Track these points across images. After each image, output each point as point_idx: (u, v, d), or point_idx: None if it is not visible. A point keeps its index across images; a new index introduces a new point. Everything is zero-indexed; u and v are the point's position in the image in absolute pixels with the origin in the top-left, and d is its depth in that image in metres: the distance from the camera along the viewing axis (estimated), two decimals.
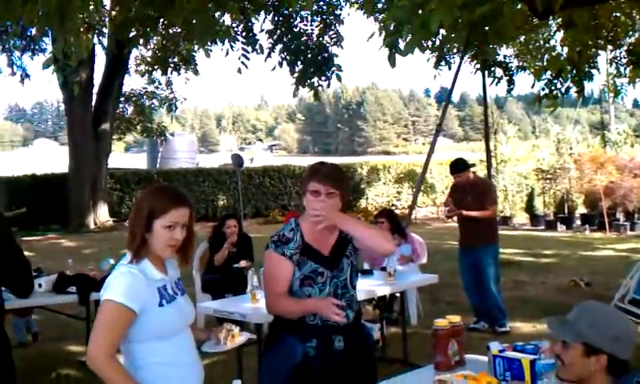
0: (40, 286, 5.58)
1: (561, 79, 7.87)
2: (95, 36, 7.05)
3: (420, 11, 4.80)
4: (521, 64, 11.31)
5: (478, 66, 11.42)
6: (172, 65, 17.98)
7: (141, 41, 10.78)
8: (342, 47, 10.79)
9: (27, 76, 20.68)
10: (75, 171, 18.90)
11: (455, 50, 10.81)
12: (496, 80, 11.29)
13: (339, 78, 10.55)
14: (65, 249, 13.69)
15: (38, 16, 5.93)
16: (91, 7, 6.36)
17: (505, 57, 11.48)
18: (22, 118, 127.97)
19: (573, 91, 8.15)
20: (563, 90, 8.08)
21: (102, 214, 19.21)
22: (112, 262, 6.41)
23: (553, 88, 8.09)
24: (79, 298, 5.68)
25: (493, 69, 11.40)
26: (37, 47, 19.55)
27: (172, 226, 2.44)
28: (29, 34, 16.26)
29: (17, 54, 20.09)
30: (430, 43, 10.39)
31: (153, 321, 2.38)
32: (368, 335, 3.36)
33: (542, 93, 8.20)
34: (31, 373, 5.65)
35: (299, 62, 10.63)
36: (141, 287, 2.37)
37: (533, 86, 8.43)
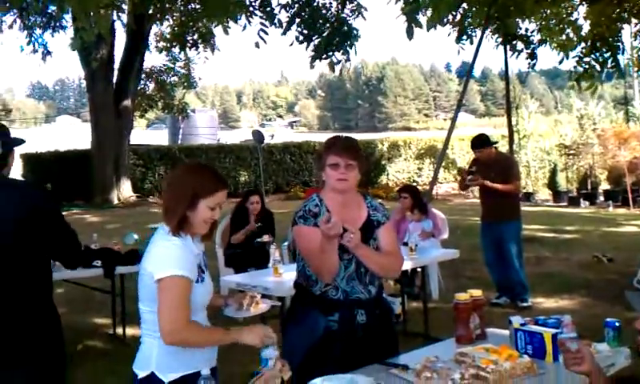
0: None
1: (595, 55, 7.68)
2: (115, 12, 7.05)
3: None
4: (543, 38, 11.16)
5: (500, 39, 11.28)
6: (190, 42, 18.04)
7: (160, 17, 10.77)
8: (364, 18, 10.59)
9: (48, 53, 20.80)
10: (98, 147, 19.05)
11: (477, 24, 10.68)
12: (517, 53, 11.17)
13: (350, 48, 10.33)
14: (89, 224, 13.86)
15: None
16: None
17: (526, 31, 11.33)
18: (44, 96, 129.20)
19: (608, 66, 7.96)
20: (597, 66, 7.88)
21: (125, 190, 19.40)
22: (136, 237, 6.50)
23: (587, 66, 7.90)
24: (104, 271, 5.75)
25: (514, 43, 11.26)
26: (57, 24, 19.69)
27: (215, 207, 2.50)
28: (49, 11, 16.32)
29: (38, 31, 20.25)
30: (450, 17, 10.30)
31: (192, 296, 2.43)
32: (390, 309, 3.39)
33: (574, 70, 8.00)
34: None
35: (317, 36, 10.48)
36: (189, 259, 2.44)
37: (561, 62, 8.28)
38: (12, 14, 16.72)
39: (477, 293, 3.17)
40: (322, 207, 3.04)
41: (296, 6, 10.83)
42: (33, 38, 19.69)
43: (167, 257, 2.41)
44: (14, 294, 2.77)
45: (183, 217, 2.45)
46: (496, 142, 7.47)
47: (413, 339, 5.58)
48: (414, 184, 18.99)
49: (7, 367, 2.72)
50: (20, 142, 3.02)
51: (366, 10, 10.61)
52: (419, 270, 6.66)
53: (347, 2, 10.85)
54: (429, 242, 7.21)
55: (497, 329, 3.25)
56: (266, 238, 7.05)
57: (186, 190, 2.46)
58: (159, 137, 35.19)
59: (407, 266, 6.09)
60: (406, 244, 6.10)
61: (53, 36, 21.12)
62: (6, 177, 2.90)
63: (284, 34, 10.60)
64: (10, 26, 18.73)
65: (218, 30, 13.68)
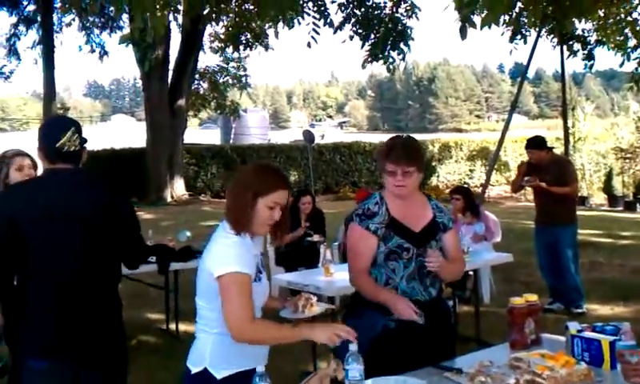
0: None
1: None
2: (171, 13, 7.19)
3: None
4: (600, 38, 10.89)
5: (556, 40, 11.05)
6: (244, 42, 18.21)
7: (215, 17, 10.92)
8: (417, 18, 10.54)
9: (105, 53, 21.36)
10: (153, 146, 19.42)
11: (532, 24, 10.49)
12: (573, 54, 10.93)
13: (407, 47, 10.26)
14: (143, 221, 13.98)
15: None
16: None
17: (583, 31, 11.08)
18: (100, 94, 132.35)
19: None
20: None
21: (178, 188, 19.73)
22: (188, 234, 6.62)
23: None
24: (159, 267, 5.85)
25: (571, 43, 11.02)
26: (115, 25, 20.17)
27: (274, 206, 2.48)
28: (107, 12, 16.74)
29: (95, 31, 20.80)
30: (505, 17, 10.14)
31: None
32: (448, 311, 3.38)
33: (636, 72, 7.78)
34: None
35: (371, 36, 10.47)
36: (249, 257, 2.45)
37: (622, 64, 8.06)
38: (71, 13, 17.21)
39: (532, 297, 3.12)
40: (382, 206, 3.06)
41: (350, 5, 10.85)
42: (91, 38, 20.27)
43: (227, 254, 2.42)
44: (99, 292, 2.86)
45: (244, 216, 2.45)
46: (552, 148, 7.30)
47: (464, 343, 5.51)
48: (466, 186, 18.80)
49: (91, 367, 2.81)
50: (85, 140, 3.12)
51: (419, 10, 10.57)
52: (471, 273, 6.59)
53: (401, 2, 10.81)
54: (481, 246, 7.12)
55: (551, 335, 3.20)
56: (316, 237, 7.10)
57: (247, 189, 2.47)
58: (211, 136, 35.66)
59: None
60: None
61: (110, 36, 21.64)
62: (91, 174, 2.99)
63: (335, 32, 10.62)
64: (69, 25, 19.24)
65: (271, 30, 13.78)
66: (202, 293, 2.50)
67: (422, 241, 3.05)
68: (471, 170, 23.77)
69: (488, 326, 5.95)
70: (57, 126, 2.91)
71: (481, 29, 5.59)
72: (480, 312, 6.22)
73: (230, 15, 14.23)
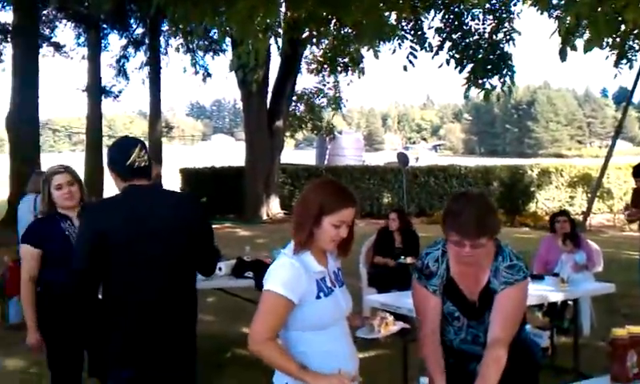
0: (220, 269, 5.80)
1: None
2: (272, 37, 7.45)
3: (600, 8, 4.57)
4: None
5: None
6: (341, 65, 18.46)
7: (314, 41, 11.16)
8: (514, 45, 10.37)
9: (209, 75, 22.23)
10: (251, 165, 19.89)
11: (638, 47, 10.08)
12: None
13: (512, 81, 10.07)
14: (240, 237, 14.51)
15: (222, 18, 6.42)
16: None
17: None
18: (201, 115, 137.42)
19: None
20: None
21: (273, 207, 20.14)
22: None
23: None
24: (255, 282, 5.98)
25: None
26: (218, 48, 20.97)
27: (339, 225, 2.46)
28: (211, 35, 17.41)
29: (199, 53, 21.68)
30: (609, 40, 9.79)
31: (310, 312, 2.44)
32: (529, 348, 3.21)
33: None
34: (207, 350, 6.08)
35: (469, 61, 10.38)
36: (301, 279, 2.42)
37: None
38: (178, 37, 18.04)
39: (636, 329, 3.00)
40: (442, 264, 2.89)
41: (447, 29, 10.82)
42: (195, 61, 21.14)
43: (275, 274, 2.44)
44: (181, 303, 3.02)
45: (309, 233, 2.46)
46: None
47: (561, 375, 5.36)
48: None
49: (177, 369, 2.97)
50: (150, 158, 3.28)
51: (519, 34, 10.39)
52: (570, 303, 6.38)
53: (500, 27, 10.67)
54: (581, 275, 6.87)
55: None
56: (409, 259, 7.08)
57: (312, 206, 2.46)
58: (307, 156, 36.21)
59: (558, 298, 5.86)
60: (556, 274, 5.87)
61: (213, 59, 22.50)
62: (171, 189, 3.19)
63: (433, 57, 10.61)
64: (177, 49, 20.17)
65: (367, 54, 13.92)
66: None
67: (475, 313, 2.88)
68: (572, 197, 22.94)
69: (587, 359, 5.72)
70: (124, 145, 3.11)
71: (584, 53, 5.44)
72: (579, 343, 5.99)
73: (329, 38, 14.48)
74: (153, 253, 2.89)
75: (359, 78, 18.63)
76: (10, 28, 17.42)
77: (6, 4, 18.70)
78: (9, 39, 18.43)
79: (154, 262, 2.90)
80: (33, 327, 3.62)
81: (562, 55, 6.17)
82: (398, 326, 2.77)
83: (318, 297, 2.46)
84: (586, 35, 5.95)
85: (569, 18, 5.26)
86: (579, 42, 6.34)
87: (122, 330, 2.90)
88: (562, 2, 8.76)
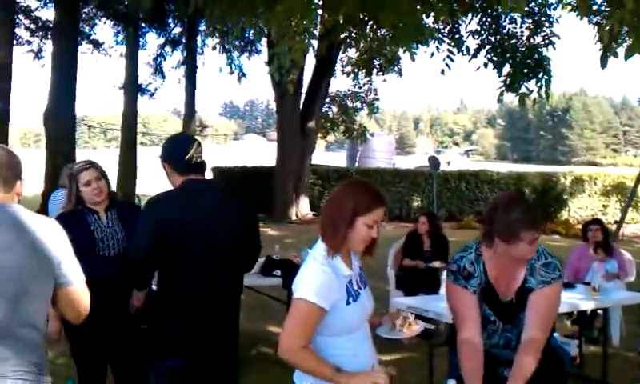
0: None
1: None
2: (308, 39, 7.50)
3: None
4: None
5: None
6: (377, 66, 18.44)
7: (352, 43, 11.17)
8: (554, 48, 10.21)
9: (244, 75, 22.40)
10: (282, 165, 20.00)
11: None
12: None
13: (549, 85, 9.94)
14: (269, 237, 14.58)
15: (259, 20, 6.49)
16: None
17: None
18: (235, 115, 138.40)
19: None
20: None
21: (303, 207, 20.22)
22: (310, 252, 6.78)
23: None
24: (283, 281, 6.04)
25: None
26: (253, 48, 21.11)
27: (372, 225, 2.45)
28: (247, 35, 17.54)
29: (235, 54, 21.84)
30: None
31: (339, 318, 2.43)
32: (557, 355, 3.19)
33: None
34: None
35: (508, 64, 10.26)
36: (332, 287, 2.40)
37: None
38: (215, 37, 18.20)
39: None
40: (479, 266, 2.89)
41: (485, 32, 10.73)
42: (231, 60, 21.31)
43: (306, 281, 2.42)
44: (232, 296, 3.14)
45: (341, 235, 2.43)
46: None
47: None
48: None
49: (234, 346, 3.10)
50: None
51: (559, 38, 10.26)
52: (600, 312, 6.31)
53: (539, 31, 10.54)
54: (613, 284, 6.79)
55: None
56: (437, 264, 7.09)
57: (346, 207, 2.43)
58: (338, 158, 36.25)
59: (588, 306, 5.81)
60: (587, 283, 5.82)
61: (249, 59, 22.65)
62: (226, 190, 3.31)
63: (470, 60, 10.52)
64: (214, 48, 20.31)
65: (404, 56, 13.87)
66: None
67: (510, 313, 2.88)
68: (605, 206, 22.59)
69: (616, 370, 5.65)
70: (182, 141, 3.27)
71: (625, 60, 5.37)
72: (608, 353, 5.92)
73: (365, 41, 14.46)
74: (210, 243, 2.99)
75: (399, 77, 18.58)
76: (51, 25, 17.77)
77: (48, 1, 19.10)
78: (49, 36, 18.79)
79: (211, 252, 3.00)
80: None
81: (603, 62, 6.10)
82: (421, 326, 2.75)
83: (348, 303, 2.44)
84: (627, 42, 5.88)
85: (612, 25, 5.20)
86: (619, 50, 6.27)
87: (181, 318, 2.99)
88: (602, 8, 8.68)
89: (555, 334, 4.17)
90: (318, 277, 2.40)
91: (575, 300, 5.57)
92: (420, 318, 2.84)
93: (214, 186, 3.32)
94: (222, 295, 3.05)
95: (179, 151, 3.11)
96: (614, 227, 14.37)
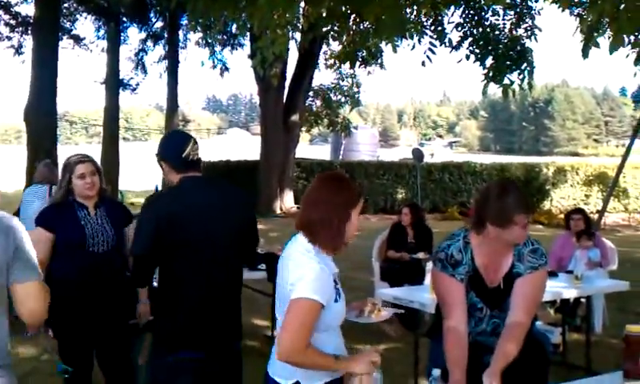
0: None
1: None
2: (291, 32, 7.47)
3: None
4: None
5: None
6: (360, 59, 18.46)
7: (335, 36, 11.16)
8: (536, 40, 10.29)
9: (226, 69, 22.33)
10: (265, 159, 20.01)
11: None
12: None
13: (531, 77, 10.01)
14: None
15: (242, 13, 6.48)
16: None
17: None
18: (218, 109, 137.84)
19: None
20: None
21: (287, 201, 20.23)
22: None
23: None
24: (268, 275, 6.05)
25: None
26: (236, 42, 21.04)
27: (359, 213, 2.48)
28: (229, 29, 17.48)
29: (218, 48, 21.76)
30: (631, 37, 9.72)
31: (329, 315, 2.41)
32: (539, 342, 3.24)
33: None
34: None
35: (490, 56, 10.30)
36: (328, 283, 2.39)
37: None
38: (197, 31, 18.11)
39: None
40: (467, 254, 2.91)
41: (467, 25, 10.77)
42: (214, 55, 21.22)
43: (312, 279, 2.35)
44: (237, 290, 3.19)
45: (342, 232, 2.41)
46: None
47: (572, 371, 5.37)
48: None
49: (238, 339, 3.18)
50: None
51: (540, 30, 10.32)
52: (583, 300, 6.39)
53: (521, 22, 10.60)
54: (595, 272, 6.87)
55: None
56: (421, 255, 7.13)
57: (338, 204, 2.43)
58: (322, 151, 36.24)
59: (571, 294, 5.87)
60: (570, 272, 5.88)
61: (231, 53, 22.55)
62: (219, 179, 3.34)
63: (452, 52, 10.55)
64: (197, 43, 20.22)
65: (386, 49, 13.90)
66: (284, 309, 2.46)
67: (497, 301, 2.91)
68: (587, 196, 22.83)
69: (599, 356, 5.73)
70: (179, 138, 3.24)
71: (610, 54, 5.42)
72: (591, 341, 6.00)
73: (347, 34, 14.44)
74: (209, 239, 3.01)
75: (382, 70, 18.59)
76: (31, 20, 17.58)
77: None
78: (29, 31, 18.60)
79: (212, 246, 3.01)
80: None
81: (585, 53, 6.15)
82: (390, 312, 2.80)
83: (336, 300, 2.44)
84: (608, 33, 5.93)
85: (591, 16, 5.25)
86: (602, 41, 6.32)
87: (187, 312, 3.00)
88: (583, 0, 8.74)
89: (537, 322, 4.22)
90: (318, 274, 2.36)
91: (558, 288, 5.62)
92: (402, 308, 2.89)
93: (210, 180, 3.33)
94: (222, 290, 3.07)
95: (175, 149, 3.11)
96: (595, 216, 14.51)
